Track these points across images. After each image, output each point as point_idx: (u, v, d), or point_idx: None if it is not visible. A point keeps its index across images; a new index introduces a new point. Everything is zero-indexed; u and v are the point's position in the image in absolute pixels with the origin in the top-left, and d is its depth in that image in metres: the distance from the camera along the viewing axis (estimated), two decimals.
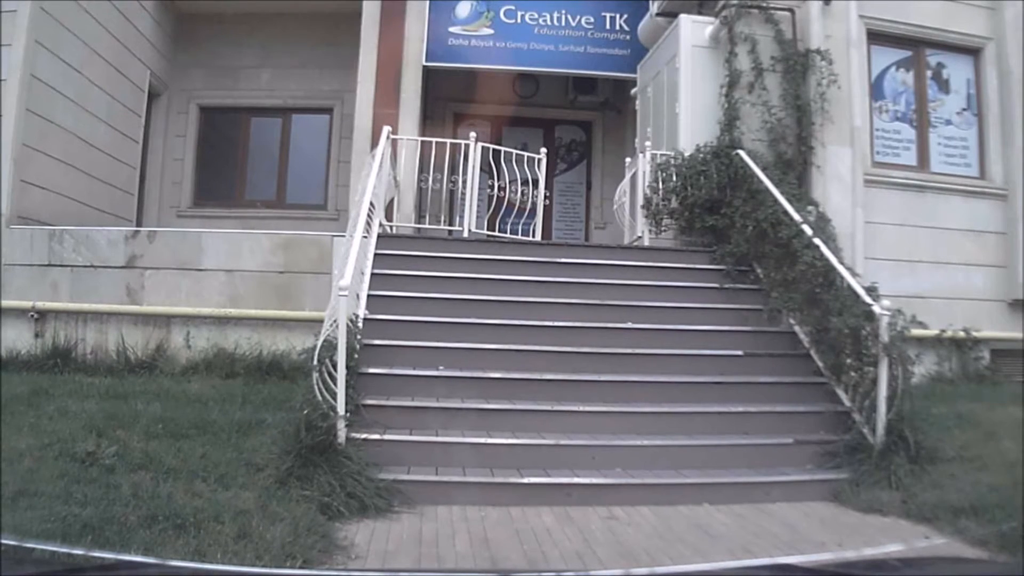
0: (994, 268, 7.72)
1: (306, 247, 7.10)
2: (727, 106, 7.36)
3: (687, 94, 7.62)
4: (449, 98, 10.56)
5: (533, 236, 7.67)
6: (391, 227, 7.33)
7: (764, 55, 7.39)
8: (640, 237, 7.41)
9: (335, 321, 4.42)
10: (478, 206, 7.61)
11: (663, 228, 7.33)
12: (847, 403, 5.18)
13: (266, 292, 6.99)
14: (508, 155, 7.69)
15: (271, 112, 10.56)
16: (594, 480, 4.47)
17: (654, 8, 8.71)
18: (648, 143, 7.62)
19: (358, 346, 4.90)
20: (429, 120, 9.68)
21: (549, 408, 5.00)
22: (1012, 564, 3.14)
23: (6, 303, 6.82)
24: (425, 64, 9.10)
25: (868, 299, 5.09)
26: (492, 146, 7.72)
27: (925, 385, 6.47)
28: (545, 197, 7.97)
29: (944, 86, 8.15)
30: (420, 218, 8.14)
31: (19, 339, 6.73)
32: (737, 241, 6.58)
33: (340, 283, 4.51)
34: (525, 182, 7.76)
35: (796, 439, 4.95)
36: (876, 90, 7.93)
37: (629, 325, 5.90)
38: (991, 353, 7.50)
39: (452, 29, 9.34)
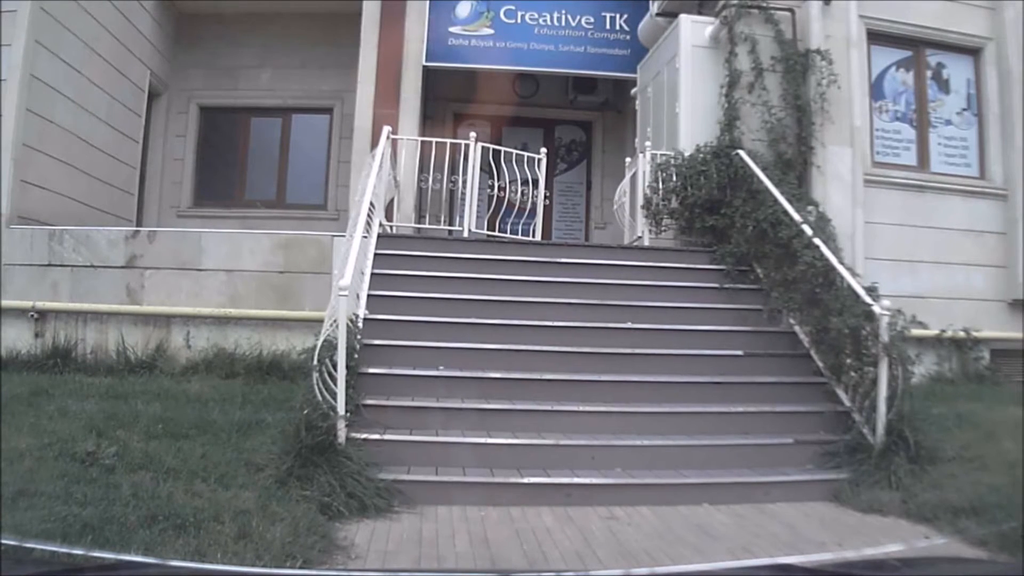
0: (994, 268, 7.71)
1: (306, 247, 7.10)
2: (727, 106, 7.37)
3: (687, 94, 7.62)
4: (449, 98, 10.56)
5: (533, 236, 7.67)
6: (391, 227, 7.33)
7: (764, 55, 7.39)
8: (640, 237, 7.41)
9: (335, 321, 4.42)
10: (478, 206, 7.61)
11: (663, 228, 7.34)
12: (847, 403, 5.18)
13: (266, 292, 6.99)
14: (508, 155, 7.69)
15: (271, 112, 10.56)
16: (594, 480, 4.47)
17: (654, 8, 8.71)
18: (648, 143, 7.62)
19: (358, 346, 4.90)
20: (429, 120, 9.69)
21: (549, 408, 5.00)
22: (1012, 564, 3.14)
23: (6, 303, 6.82)
24: (425, 64, 9.11)
25: (868, 299, 5.09)
26: (492, 146, 7.71)
27: (925, 385, 6.47)
28: (545, 197, 7.97)
29: (944, 86, 8.15)
30: (420, 218, 8.14)
31: (19, 339, 6.73)
32: (737, 241, 6.58)
33: (340, 283, 4.51)
34: (525, 182, 7.75)
35: (796, 439, 4.95)
36: (876, 90, 7.93)
37: (629, 325, 5.89)
38: (991, 353, 7.50)
39: (452, 29, 9.35)
